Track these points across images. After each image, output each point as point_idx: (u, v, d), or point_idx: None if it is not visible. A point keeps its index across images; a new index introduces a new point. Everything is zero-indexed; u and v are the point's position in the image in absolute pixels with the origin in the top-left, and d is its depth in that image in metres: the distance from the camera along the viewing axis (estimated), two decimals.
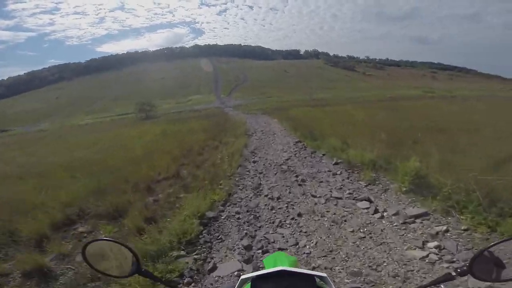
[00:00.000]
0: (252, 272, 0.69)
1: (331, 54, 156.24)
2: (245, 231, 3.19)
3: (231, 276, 2.49)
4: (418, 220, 3.03)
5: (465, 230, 2.74)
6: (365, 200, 3.66)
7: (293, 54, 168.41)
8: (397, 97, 28.10)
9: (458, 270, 0.66)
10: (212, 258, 2.77)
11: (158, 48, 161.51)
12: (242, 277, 0.68)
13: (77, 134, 18.97)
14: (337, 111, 14.62)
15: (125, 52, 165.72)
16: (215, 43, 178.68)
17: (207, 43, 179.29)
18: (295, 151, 6.90)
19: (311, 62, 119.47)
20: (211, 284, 2.41)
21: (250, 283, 0.66)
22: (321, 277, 0.67)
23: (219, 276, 2.50)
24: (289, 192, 4.25)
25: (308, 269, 0.69)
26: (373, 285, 2.21)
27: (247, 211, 3.72)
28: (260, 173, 5.44)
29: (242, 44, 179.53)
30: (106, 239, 0.80)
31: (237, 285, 0.70)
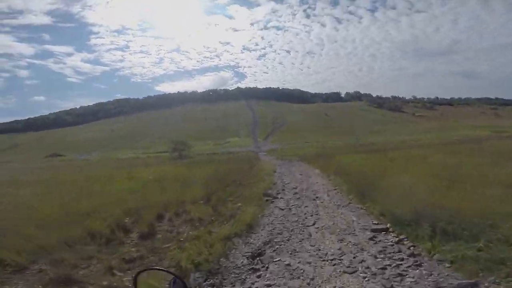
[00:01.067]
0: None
1: (374, 95, 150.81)
2: None
3: None
4: None
5: None
6: None
7: (333, 97, 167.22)
8: (465, 139, 23.69)
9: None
10: None
11: (205, 90, 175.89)
12: None
13: (103, 167, 18.82)
14: (404, 158, 11.76)
15: (176, 92, 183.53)
16: (255, 86, 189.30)
17: (248, 86, 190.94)
18: (380, 260, 3.37)
19: (354, 104, 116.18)
20: None
21: None
22: None
23: None
24: None
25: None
26: None
27: None
28: None
29: (281, 88, 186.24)
30: (158, 268, 0.85)
31: None
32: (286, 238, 4.33)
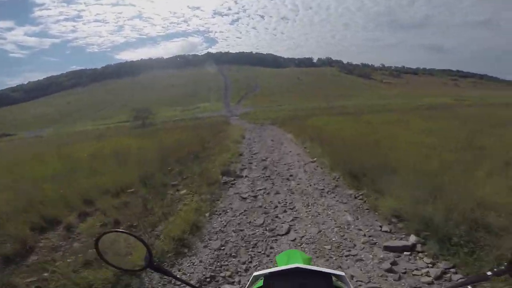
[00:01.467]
0: (265, 269, 0.65)
1: (345, 62, 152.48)
2: None
3: None
4: None
5: None
6: None
7: (305, 63, 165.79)
8: (433, 105, 24.60)
9: (495, 270, 0.60)
10: None
11: (172, 56, 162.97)
12: (255, 273, 0.66)
13: (48, 144, 16.16)
14: (381, 122, 11.10)
15: (139, 59, 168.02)
16: (227, 51, 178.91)
17: (219, 51, 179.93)
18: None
19: (325, 69, 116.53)
20: None
21: (263, 280, 0.64)
22: (338, 276, 0.64)
23: None
24: None
25: (325, 268, 0.65)
26: None
27: None
28: None
29: (254, 52, 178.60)
30: (120, 231, 0.78)
31: (249, 281, 0.69)
32: (242, 269, 2.66)
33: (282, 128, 12.70)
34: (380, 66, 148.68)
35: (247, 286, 0.71)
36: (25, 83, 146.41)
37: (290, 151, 7.82)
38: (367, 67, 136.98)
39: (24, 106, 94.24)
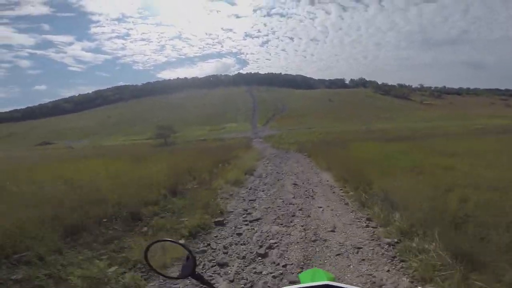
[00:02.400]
0: (292, 285, 0.66)
1: (380, 82, 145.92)
2: None
3: None
4: None
5: None
6: None
7: (337, 84, 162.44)
8: (489, 128, 20.66)
9: None
10: None
11: (206, 75, 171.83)
12: None
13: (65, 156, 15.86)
14: (466, 152, 7.62)
15: (176, 78, 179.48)
16: (257, 72, 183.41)
17: (249, 72, 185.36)
18: None
19: (358, 91, 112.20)
20: None
21: None
22: None
23: None
24: None
25: (353, 286, 0.64)
26: None
27: None
28: None
29: (283, 73, 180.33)
30: (169, 240, 0.82)
31: None
32: None
33: (312, 159, 9.47)
34: (419, 86, 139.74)
35: None
36: (76, 95, 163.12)
37: (339, 230, 3.43)
38: (404, 88, 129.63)
39: (72, 117, 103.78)
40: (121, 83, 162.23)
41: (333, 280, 1.00)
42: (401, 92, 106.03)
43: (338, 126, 33.38)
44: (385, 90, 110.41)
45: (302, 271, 1.05)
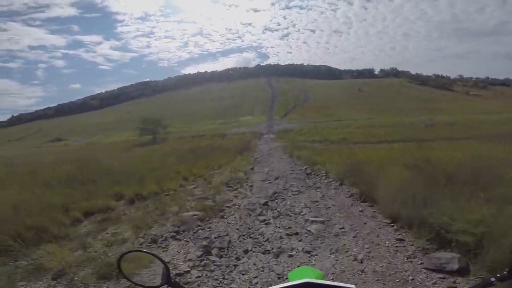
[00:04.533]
0: (276, 285, 0.67)
1: (413, 73, 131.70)
2: None
3: None
4: None
5: None
6: None
7: (365, 74, 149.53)
8: None
9: (498, 276, 0.60)
10: None
11: (225, 69, 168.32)
12: None
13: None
14: None
15: (196, 72, 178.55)
16: (276, 63, 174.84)
17: (269, 63, 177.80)
18: None
19: (391, 81, 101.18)
20: None
21: None
22: None
23: None
24: None
25: (336, 282, 0.65)
26: None
27: None
28: None
29: (305, 64, 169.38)
30: (141, 250, 0.84)
31: None
32: None
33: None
34: (458, 77, 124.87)
35: None
36: (103, 91, 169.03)
37: None
38: (441, 78, 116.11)
39: (95, 113, 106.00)
40: (148, 79, 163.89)
41: (322, 276, 1.03)
42: (442, 82, 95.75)
43: (377, 119, 26.80)
44: (421, 80, 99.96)
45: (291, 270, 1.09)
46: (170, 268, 1.70)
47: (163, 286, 0.77)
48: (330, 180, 6.01)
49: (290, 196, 5.08)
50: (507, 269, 0.59)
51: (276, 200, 4.90)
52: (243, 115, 47.39)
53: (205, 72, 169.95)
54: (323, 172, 6.68)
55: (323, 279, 0.91)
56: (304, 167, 7.54)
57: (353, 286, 0.62)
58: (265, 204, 4.69)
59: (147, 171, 6.83)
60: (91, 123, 75.71)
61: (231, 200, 5.01)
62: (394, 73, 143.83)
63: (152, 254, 0.78)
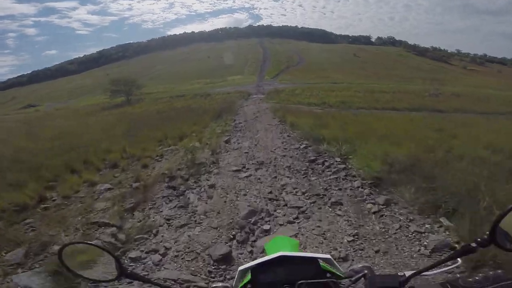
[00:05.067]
0: (251, 261, 0.64)
1: (411, 43, 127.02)
2: None
3: None
4: None
5: None
6: None
7: (361, 40, 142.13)
8: None
9: (479, 240, 0.57)
10: None
11: (213, 29, 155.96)
12: (240, 268, 0.65)
13: None
14: None
15: (182, 32, 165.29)
16: (269, 24, 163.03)
17: (261, 24, 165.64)
18: None
19: (388, 49, 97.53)
20: None
21: (250, 273, 0.62)
22: (325, 259, 0.63)
23: None
24: None
25: (311, 252, 0.65)
26: None
27: None
28: None
29: (300, 26, 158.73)
30: (85, 242, 0.76)
31: (236, 277, 0.67)
32: None
33: None
34: (455, 51, 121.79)
35: (234, 282, 0.67)
36: (81, 55, 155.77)
37: None
38: (438, 51, 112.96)
39: (73, 78, 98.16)
40: (131, 42, 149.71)
41: (297, 246, 1.03)
42: (440, 55, 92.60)
43: (377, 84, 24.50)
44: (419, 51, 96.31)
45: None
46: None
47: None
48: (357, 182, 3.36)
49: (281, 226, 2.62)
50: (487, 233, 0.55)
51: (249, 242, 2.45)
52: (232, 75, 43.92)
53: (192, 32, 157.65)
54: (338, 160, 4.16)
55: (297, 248, 0.93)
56: (303, 145, 5.23)
57: (329, 256, 0.60)
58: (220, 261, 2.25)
59: (59, 151, 4.38)
60: (68, 88, 70.11)
61: (148, 239, 2.70)
62: (391, 42, 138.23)
63: (98, 246, 0.72)
